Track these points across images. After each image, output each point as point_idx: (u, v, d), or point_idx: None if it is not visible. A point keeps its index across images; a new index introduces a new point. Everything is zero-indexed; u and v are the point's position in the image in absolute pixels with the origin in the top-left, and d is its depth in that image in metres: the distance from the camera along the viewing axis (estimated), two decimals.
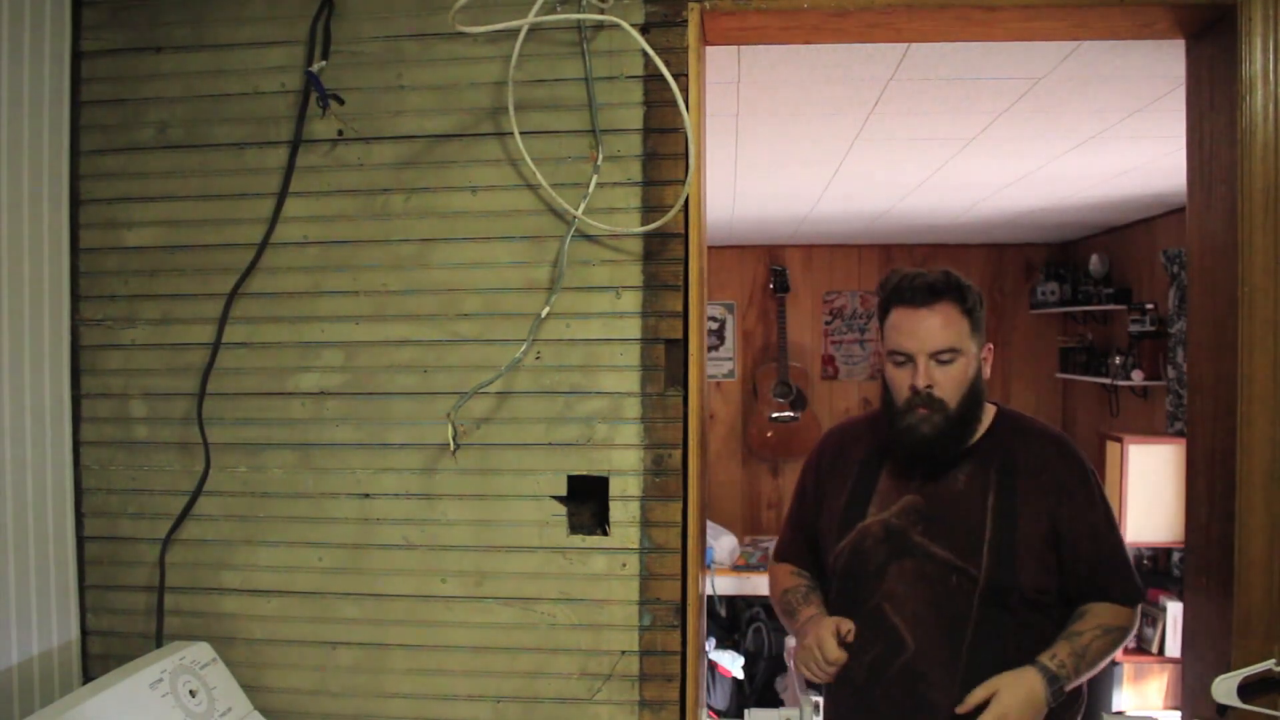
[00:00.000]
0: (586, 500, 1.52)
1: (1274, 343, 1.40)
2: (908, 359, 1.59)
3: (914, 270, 1.64)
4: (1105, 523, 1.62)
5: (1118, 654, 1.75)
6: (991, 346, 1.67)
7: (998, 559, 1.55)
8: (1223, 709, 1.40)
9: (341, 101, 1.52)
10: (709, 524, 4.30)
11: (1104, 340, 4.86)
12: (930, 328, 1.57)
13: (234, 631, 1.56)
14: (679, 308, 1.50)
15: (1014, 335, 5.45)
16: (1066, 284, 5.04)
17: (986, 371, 1.65)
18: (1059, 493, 1.60)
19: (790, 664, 4.18)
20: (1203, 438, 1.53)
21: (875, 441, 1.71)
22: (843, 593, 1.67)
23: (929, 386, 1.57)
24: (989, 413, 1.67)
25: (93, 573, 1.59)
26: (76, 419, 1.59)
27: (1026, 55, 2.02)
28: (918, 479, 1.63)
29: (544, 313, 1.50)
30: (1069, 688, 1.52)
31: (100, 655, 1.58)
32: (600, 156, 1.49)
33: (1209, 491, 1.51)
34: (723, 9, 1.48)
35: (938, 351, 1.57)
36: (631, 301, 1.50)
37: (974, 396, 1.61)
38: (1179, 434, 3.79)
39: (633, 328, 1.50)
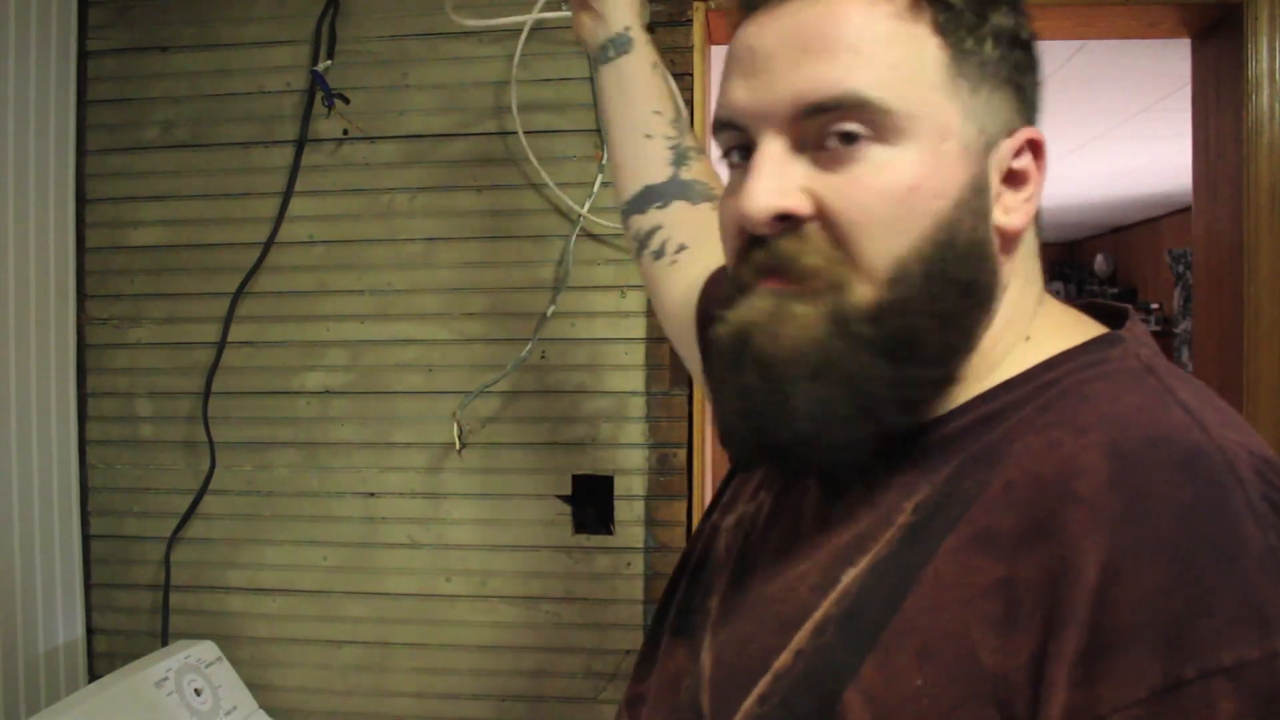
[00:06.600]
0: (591, 499, 1.52)
1: None
2: (738, 144, 0.57)
3: None
4: None
5: None
6: (1038, 137, 0.54)
7: None
8: None
9: (347, 101, 1.52)
10: None
11: None
12: (787, 34, 0.52)
13: (239, 630, 1.56)
14: None
15: None
16: (1071, 283, 5.05)
17: (1019, 220, 0.54)
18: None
19: None
20: None
21: None
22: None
23: (785, 218, 0.52)
24: (1027, 348, 0.56)
25: (98, 571, 1.60)
26: (82, 418, 1.59)
27: None
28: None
29: (549, 312, 1.50)
30: None
31: (106, 654, 1.59)
32: (605, 155, 1.49)
33: None
34: (727, 9, 1.48)
35: (813, 106, 0.51)
36: (636, 301, 1.50)
37: (952, 275, 0.52)
38: None
39: (638, 327, 1.50)
